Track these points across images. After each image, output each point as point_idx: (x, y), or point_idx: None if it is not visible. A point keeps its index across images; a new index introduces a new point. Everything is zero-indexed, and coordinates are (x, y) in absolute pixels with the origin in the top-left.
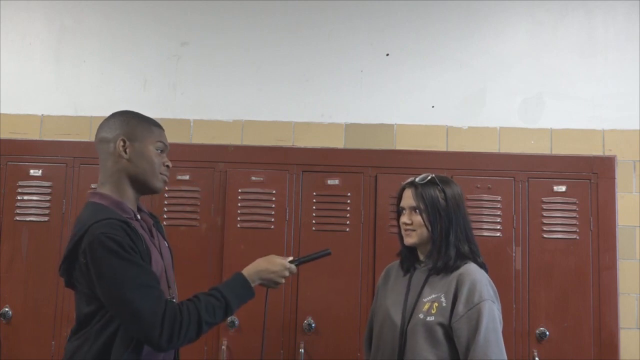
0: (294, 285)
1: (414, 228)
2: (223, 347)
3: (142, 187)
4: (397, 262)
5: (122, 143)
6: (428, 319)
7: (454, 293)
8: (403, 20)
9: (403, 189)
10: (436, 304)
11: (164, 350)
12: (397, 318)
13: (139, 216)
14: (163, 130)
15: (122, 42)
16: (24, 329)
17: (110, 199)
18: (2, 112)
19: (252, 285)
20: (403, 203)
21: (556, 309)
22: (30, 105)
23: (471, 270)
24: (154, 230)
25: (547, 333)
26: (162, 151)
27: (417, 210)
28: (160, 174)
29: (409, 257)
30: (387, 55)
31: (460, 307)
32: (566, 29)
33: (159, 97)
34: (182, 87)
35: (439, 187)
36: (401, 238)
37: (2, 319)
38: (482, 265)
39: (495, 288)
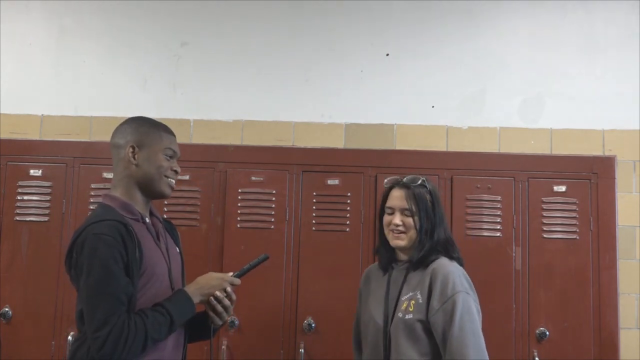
0: (294, 285)
1: (405, 230)
2: (223, 347)
3: (149, 191)
4: (375, 264)
5: (131, 150)
6: (407, 317)
7: (428, 288)
8: (403, 20)
9: (390, 188)
10: (413, 301)
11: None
12: (380, 319)
13: (147, 219)
14: (174, 137)
15: (122, 42)
16: (24, 329)
17: (118, 200)
18: (2, 112)
19: (197, 300)
20: (392, 203)
21: (556, 309)
22: (30, 105)
23: (443, 264)
24: (162, 234)
25: (547, 333)
26: (171, 157)
27: (408, 212)
28: (166, 177)
29: (387, 257)
30: (387, 55)
31: (435, 301)
32: (566, 29)
33: (159, 97)
34: (182, 87)
35: (427, 189)
36: (382, 238)
37: (2, 319)
38: (457, 260)
39: (470, 280)
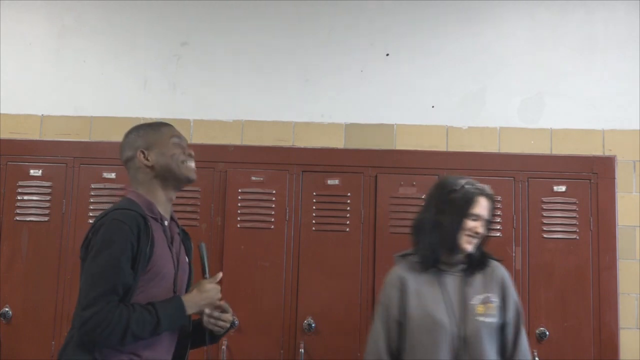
0: (294, 286)
1: (479, 238)
2: (223, 347)
3: (174, 182)
4: (401, 267)
5: (142, 155)
6: (489, 320)
7: (501, 289)
8: (403, 20)
9: (478, 196)
10: (490, 304)
11: (83, 341)
12: (446, 322)
13: (166, 222)
14: (172, 126)
15: (122, 42)
16: (24, 329)
17: (143, 198)
18: (2, 112)
19: (188, 312)
20: (481, 212)
21: (556, 309)
22: (30, 105)
23: (499, 265)
24: (177, 240)
25: (547, 333)
26: (182, 144)
27: (485, 222)
28: (184, 162)
29: (435, 258)
30: (387, 55)
31: (510, 302)
32: (566, 28)
33: (159, 97)
34: (182, 87)
35: None
36: (448, 238)
37: (2, 319)
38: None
39: None
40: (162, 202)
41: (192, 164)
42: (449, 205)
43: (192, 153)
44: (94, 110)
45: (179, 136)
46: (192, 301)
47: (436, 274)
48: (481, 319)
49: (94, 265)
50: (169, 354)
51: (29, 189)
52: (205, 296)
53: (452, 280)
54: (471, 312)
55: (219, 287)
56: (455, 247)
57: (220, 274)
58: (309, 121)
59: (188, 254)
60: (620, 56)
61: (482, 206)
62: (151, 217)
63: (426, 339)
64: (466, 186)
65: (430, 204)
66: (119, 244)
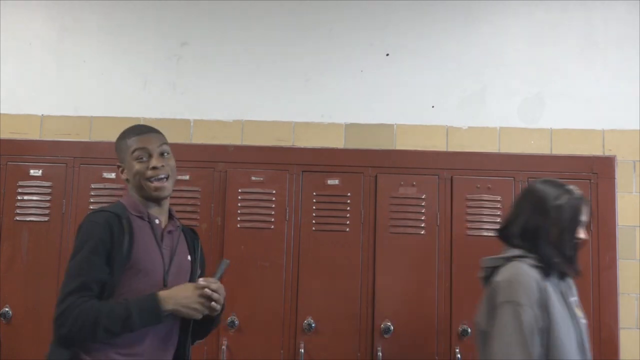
0: (294, 285)
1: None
2: (223, 347)
3: (144, 197)
4: (538, 275)
5: (120, 170)
6: (585, 321)
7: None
8: (403, 20)
9: (582, 203)
10: (580, 306)
11: (58, 338)
12: (574, 325)
13: (157, 220)
14: (140, 135)
15: (122, 42)
16: (24, 329)
17: (131, 198)
18: (2, 112)
19: (164, 308)
20: (586, 218)
21: None
22: (30, 105)
23: None
24: (172, 238)
25: None
26: (143, 157)
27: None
28: (146, 179)
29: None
30: (387, 55)
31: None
32: (566, 28)
33: (159, 97)
34: (182, 87)
35: None
36: (569, 250)
37: (2, 319)
38: None
39: None
40: (150, 206)
41: (156, 182)
42: (557, 215)
43: (157, 165)
44: (94, 110)
45: (143, 147)
46: (171, 298)
47: (556, 281)
48: (583, 320)
49: (69, 265)
50: (163, 351)
51: (29, 189)
52: (184, 296)
53: (566, 286)
54: (577, 315)
55: (201, 300)
56: (572, 257)
57: (210, 288)
58: (309, 121)
59: (193, 252)
60: (620, 56)
61: (586, 213)
62: (137, 215)
63: (567, 343)
64: (569, 195)
65: (534, 212)
66: (90, 243)
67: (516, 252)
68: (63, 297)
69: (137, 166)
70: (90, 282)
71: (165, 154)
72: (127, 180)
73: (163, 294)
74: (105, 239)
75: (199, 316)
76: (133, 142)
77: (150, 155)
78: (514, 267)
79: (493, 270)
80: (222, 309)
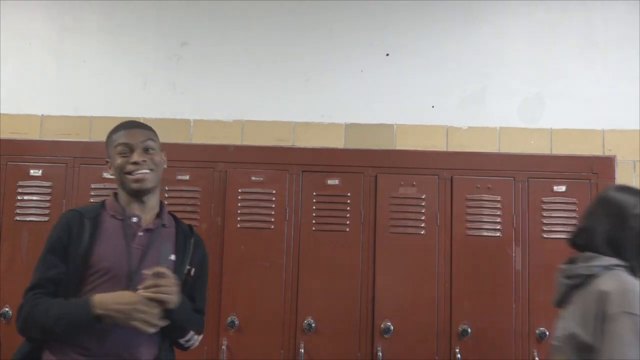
0: (294, 285)
1: None
2: (223, 347)
3: (128, 193)
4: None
5: (108, 166)
6: None
7: None
8: (403, 20)
9: None
10: None
11: (20, 334)
12: None
13: (135, 219)
14: (125, 130)
15: (122, 42)
16: None
17: (111, 198)
18: (2, 112)
19: (94, 312)
20: None
21: (556, 309)
22: (30, 105)
23: None
24: (143, 235)
25: (547, 333)
26: (125, 152)
27: None
28: (127, 174)
29: None
30: (387, 55)
31: None
32: (566, 28)
33: (159, 97)
34: (182, 87)
35: None
36: None
37: (2, 319)
38: None
39: None
40: (131, 203)
41: (136, 175)
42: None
43: (138, 159)
44: (94, 110)
45: (125, 142)
46: (103, 303)
47: None
48: None
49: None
50: (133, 351)
51: (29, 189)
52: (119, 302)
53: None
54: None
55: (141, 307)
56: None
57: (144, 295)
58: (309, 121)
59: (183, 252)
60: (620, 56)
61: None
62: (111, 215)
63: None
64: None
65: (614, 222)
66: (49, 242)
67: (612, 261)
68: (24, 294)
69: (118, 160)
70: (43, 280)
71: (150, 149)
72: (112, 175)
73: (97, 297)
74: (62, 237)
75: (148, 327)
76: (117, 137)
77: (132, 150)
78: (620, 276)
79: (586, 278)
80: (184, 304)
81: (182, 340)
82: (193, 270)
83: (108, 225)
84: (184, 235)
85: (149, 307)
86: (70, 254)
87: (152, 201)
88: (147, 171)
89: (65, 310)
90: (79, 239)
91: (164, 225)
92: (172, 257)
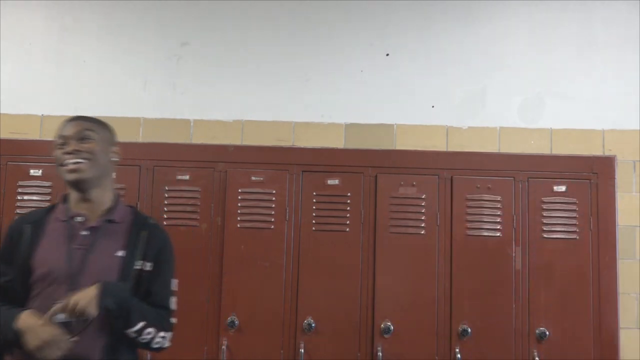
0: (294, 285)
1: None
2: (223, 347)
3: (69, 186)
4: None
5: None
6: None
7: None
8: (403, 20)
9: None
10: None
11: None
12: None
13: (79, 218)
14: (67, 122)
15: (122, 42)
16: None
17: (60, 200)
18: (2, 112)
19: (16, 327)
20: None
21: (556, 309)
22: (30, 105)
23: None
24: (85, 235)
25: (547, 333)
26: (63, 144)
27: None
28: (61, 165)
29: None
30: (387, 55)
31: None
32: (566, 28)
33: (159, 97)
34: (182, 87)
35: None
36: None
37: None
38: None
39: None
40: (76, 199)
41: (71, 164)
42: None
43: (72, 149)
44: (94, 110)
45: (62, 134)
46: (22, 320)
47: None
48: None
49: None
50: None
51: (29, 189)
52: (30, 324)
53: None
54: None
55: (44, 337)
56: None
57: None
58: (309, 121)
59: (133, 247)
60: (620, 56)
61: None
62: (56, 217)
63: None
64: None
65: None
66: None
67: None
68: None
69: (57, 152)
70: None
71: (88, 139)
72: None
73: (25, 313)
74: (6, 244)
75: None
76: (59, 129)
77: (66, 142)
78: None
79: None
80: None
81: (130, 332)
82: (149, 264)
83: (51, 228)
84: (137, 229)
85: (61, 342)
86: (14, 260)
87: (98, 196)
88: (81, 160)
89: (1, 319)
90: (18, 245)
91: (110, 221)
92: (120, 253)
